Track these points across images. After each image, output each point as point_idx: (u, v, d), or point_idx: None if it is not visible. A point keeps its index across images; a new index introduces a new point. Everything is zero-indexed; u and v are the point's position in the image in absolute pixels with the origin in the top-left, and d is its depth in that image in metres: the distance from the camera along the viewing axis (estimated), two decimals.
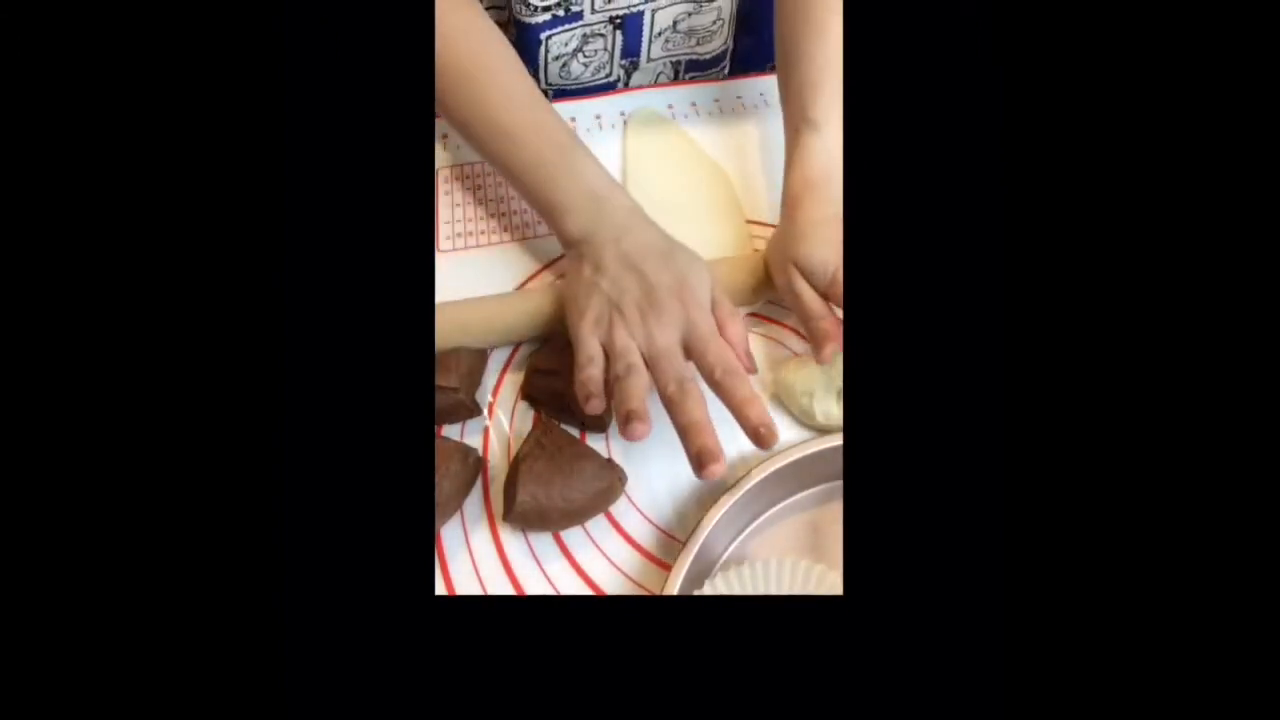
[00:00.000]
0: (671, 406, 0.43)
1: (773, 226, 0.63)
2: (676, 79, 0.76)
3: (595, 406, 0.44)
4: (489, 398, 0.53)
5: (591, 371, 0.44)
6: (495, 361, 0.55)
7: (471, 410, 0.51)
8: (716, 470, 0.40)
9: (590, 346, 0.45)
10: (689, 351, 0.45)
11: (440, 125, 0.73)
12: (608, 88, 0.73)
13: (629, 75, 0.72)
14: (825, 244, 0.48)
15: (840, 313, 0.48)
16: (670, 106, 0.75)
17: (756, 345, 0.54)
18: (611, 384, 0.44)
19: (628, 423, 0.42)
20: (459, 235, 0.64)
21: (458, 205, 0.66)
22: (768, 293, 0.54)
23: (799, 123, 0.54)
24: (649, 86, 0.77)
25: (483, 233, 0.64)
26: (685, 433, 0.42)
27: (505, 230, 0.64)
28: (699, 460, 0.41)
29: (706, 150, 0.70)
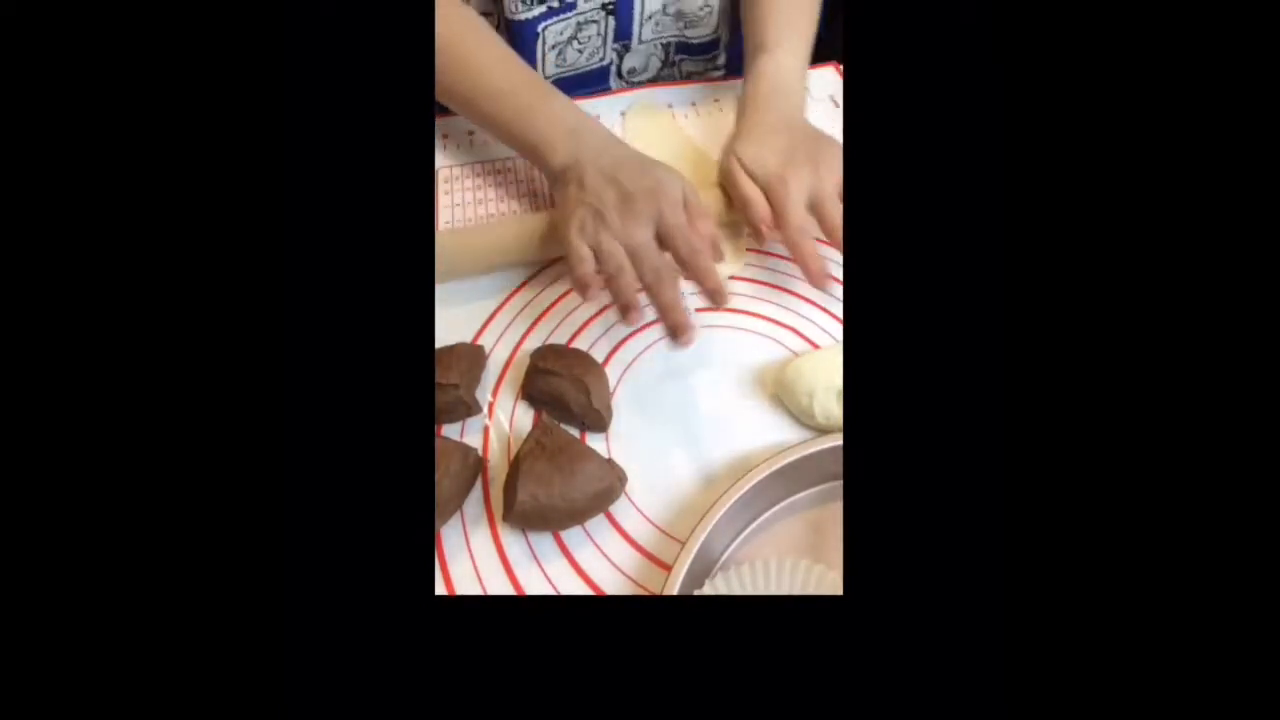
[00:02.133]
0: (650, 292, 0.49)
1: None
2: (667, 61, 0.80)
3: (592, 296, 0.51)
4: (489, 397, 0.53)
5: (584, 269, 0.50)
6: (495, 360, 0.55)
7: (471, 408, 0.51)
8: (688, 338, 0.49)
9: (580, 249, 0.50)
10: (662, 242, 0.51)
11: (439, 126, 0.73)
12: (602, 72, 0.77)
13: (621, 58, 0.77)
14: (762, 143, 0.58)
15: (782, 209, 0.55)
16: (670, 105, 0.75)
17: (757, 348, 0.56)
18: (606, 284, 0.50)
19: (625, 313, 0.49)
20: None
21: (458, 205, 0.66)
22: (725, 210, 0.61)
23: (754, 47, 0.65)
24: (649, 85, 0.77)
25: None
26: (662, 312, 0.49)
27: None
28: (673, 331, 0.49)
29: (704, 149, 0.70)
